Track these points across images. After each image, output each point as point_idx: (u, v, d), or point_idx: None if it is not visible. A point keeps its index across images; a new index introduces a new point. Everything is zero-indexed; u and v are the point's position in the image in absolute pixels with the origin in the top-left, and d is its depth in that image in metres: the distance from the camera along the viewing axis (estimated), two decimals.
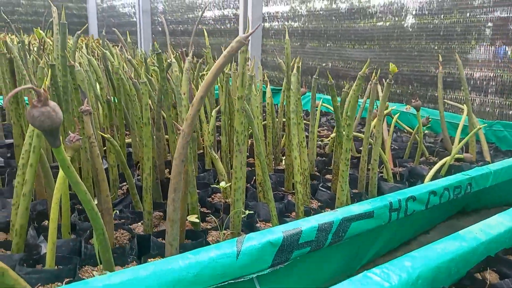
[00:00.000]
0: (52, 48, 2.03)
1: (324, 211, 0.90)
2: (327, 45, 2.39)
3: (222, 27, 3.31)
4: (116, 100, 1.04)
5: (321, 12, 2.39)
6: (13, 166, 1.10)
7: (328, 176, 1.14)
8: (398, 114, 1.25)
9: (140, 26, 4.44)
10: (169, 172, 1.14)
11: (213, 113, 0.91)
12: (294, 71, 0.85)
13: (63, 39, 0.81)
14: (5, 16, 1.57)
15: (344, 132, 0.75)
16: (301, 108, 0.90)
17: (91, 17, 5.71)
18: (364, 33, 2.15)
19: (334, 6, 2.30)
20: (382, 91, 0.97)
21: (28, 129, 0.68)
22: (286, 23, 2.68)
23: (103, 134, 0.73)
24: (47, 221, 0.82)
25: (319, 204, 0.95)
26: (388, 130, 1.19)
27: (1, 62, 1.29)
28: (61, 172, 0.58)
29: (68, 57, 0.79)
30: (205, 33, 1.54)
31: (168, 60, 0.96)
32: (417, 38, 1.91)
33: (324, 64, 2.41)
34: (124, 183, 1.04)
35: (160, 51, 0.81)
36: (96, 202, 0.69)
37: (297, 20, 2.59)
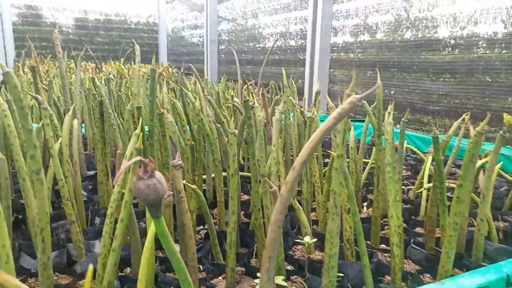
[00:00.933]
0: (129, 79, 2.15)
1: (423, 277, 0.80)
2: (401, 76, 2.28)
3: (289, 57, 3.31)
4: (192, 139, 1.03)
5: (395, 43, 2.29)
6: (95, 201, 1.12)
7: (419, 230, 1.03)
8: (501, 163, 1.11)
9: (207, 55, 4.60)
10: (244, 215, 1.10)
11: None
12: (390, 118, 0.78)
13: (152, 84, 0.81)
14: (89, 50, 1.67)
15: (457, 194, 0.65)
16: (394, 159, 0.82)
17: (161, 46, 6.04)
18: (443, 65, 2.01)
19: (408, 36, 2.19)
20: (471, 130, 0.86)
21: (117, 177, 0.67)
22: (356, 53, 2.61)
23: (188, 185, 0.70)
24: (129, 268, 0.81)
25: (414, 265, 0.85)
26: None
27: (88, 97, 1.35)
28: (149, 236, 0.55)
29: (157, 103, 0.79)
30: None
31: (251, 103, 0.93)
32: (508, 72, 1.74)
33: (400, 97, 2.29)
34: (201, 227, 1.01)
35: (248, 98, 0.78)
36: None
37: (367, 50, 2.51)
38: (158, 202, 0.42)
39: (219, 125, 0.86)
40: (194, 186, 0.69)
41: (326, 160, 1.67)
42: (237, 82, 3.39)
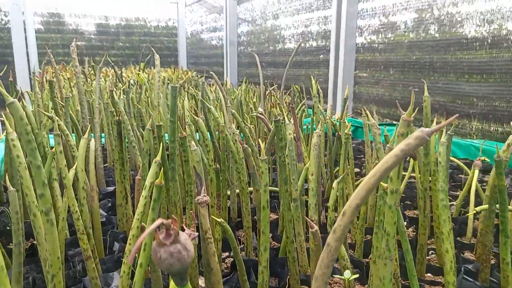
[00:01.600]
0: (149, 86, 2.09)
1: None
2: (433, 77, 2.15)
3: (311, 58, 3.21)
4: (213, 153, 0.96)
5: (426, 42, 2.16)
6: (114, 223, 1.07)
7: (468, 255, 0.93)
8: None
9: (227, 57, 4.54)
10: (272, 237, 1.02)
11: (334, 184, 0.77)
12: (443, 138, 0.68)
13: (173, 103, 0.74)
14: (108, 58, 1.63)
15: None
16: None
17: (181, 50, 6.02)
18: (480, 65, 1.88)
19: (440, 34, 2.06)
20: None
21: (136, 211, 0.60)
22: (383, 53, 2.49)
23: (215, 218, 0.63)
24: None
25: None
26: None
27: (107, 110, 1.30)
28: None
29: (178, 122, 0.72)
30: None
31: (280, 117, 0.85)
32: None
33: (431, 98, 2.16)
34: (227, 253, 0.94)
35: (279, 118, 0.70)
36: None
37: (395, 50, 2.38)
38: (183, 271, 0.35)
39: (247, 146, 0.78)
40: (220, 220, 0.61)
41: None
42: (258, 85, 3.31)
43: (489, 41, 1.82)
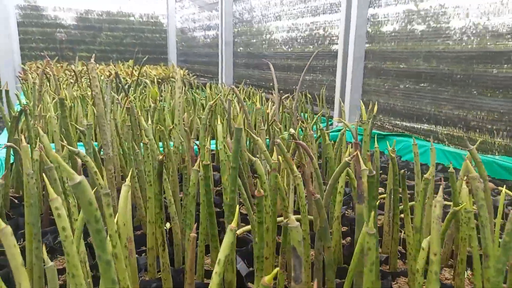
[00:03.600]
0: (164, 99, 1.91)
1: None
2: (452, 90, 2.07)
3: (317, 63, 3.10)
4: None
5: (444, 53, 2.08)
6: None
7: None
8: None
9: (222, 58, 4.39)
10: None
11: (424, 244, 0.66)
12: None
13: (237, 148, 0.62)
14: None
15: None
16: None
17: (170, 46, 5.82)
18: (505, 80, 1.81)
19: (462, 46, 1.98)
20: None
21: None
22: (397, 62, 2.40)
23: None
24: None
25: None
26: None
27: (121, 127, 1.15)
28: None
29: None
30: None
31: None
32: None
33: (449, 112, 2.09)
34: None
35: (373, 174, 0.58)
36: None
37: (409, 59, 2.30)
38: None
39: (319, 196, 0.66)
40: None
41: None
42: (255, 88, 3.18)
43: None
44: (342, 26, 2.69)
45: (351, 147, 1.39)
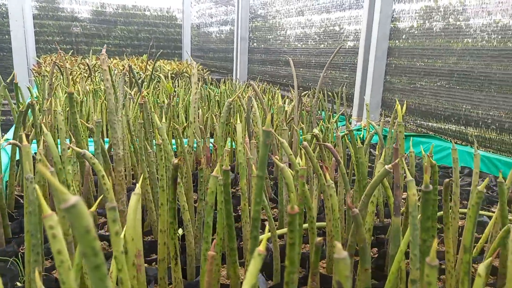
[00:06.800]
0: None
1: None
2: (487, 90, 1.94)
3: (336, 59, 2.99)
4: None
5: (482, 51, 1.95)
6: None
7: None
8: None
9: (237, 53, 4.30)
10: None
11: (481, 270, 0.56)
12: None
13: (265, 153, 0.53)
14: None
15: None
16: None
17: (185, 41, 5.76)
18: None
19: (502, 44, 1.85)
20: None
21: None
22: (425, 59, 2.27)
23: None
24: None
25: None
26: None
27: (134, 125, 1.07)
28: None
29: None
30: None
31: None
32: None
33: (483, 112, 1.96)
34: None
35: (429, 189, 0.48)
36: None
37: (440, 57, 2.17)
38: None
39: (357, 211, 0.56)
40: None
41: None
42: (268, 84, 3.09)
43: None
44: (364, 23, 2.57)
45: (378, 150, 1.28)
